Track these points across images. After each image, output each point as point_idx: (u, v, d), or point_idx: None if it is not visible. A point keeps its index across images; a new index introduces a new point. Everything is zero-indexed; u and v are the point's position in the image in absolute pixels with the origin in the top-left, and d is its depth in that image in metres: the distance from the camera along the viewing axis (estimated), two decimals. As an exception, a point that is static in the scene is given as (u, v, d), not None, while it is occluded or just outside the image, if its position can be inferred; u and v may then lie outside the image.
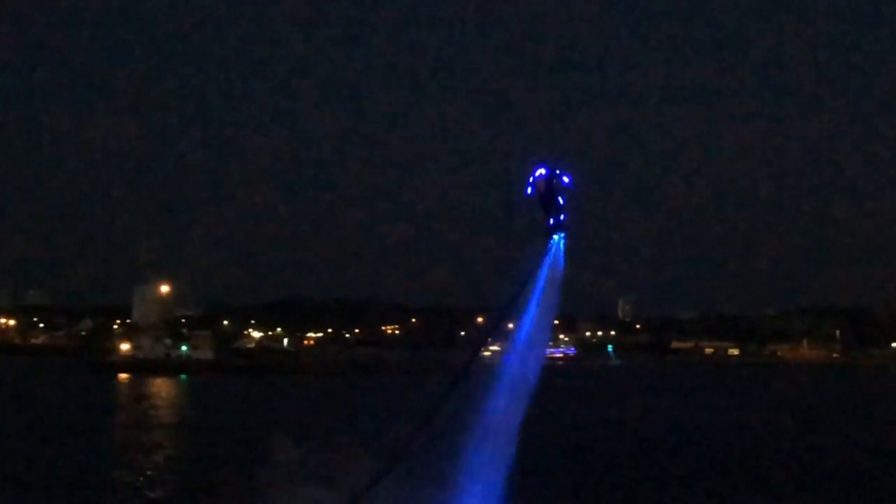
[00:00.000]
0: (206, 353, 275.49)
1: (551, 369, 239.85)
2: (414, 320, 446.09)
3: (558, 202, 38.31)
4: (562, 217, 38.32)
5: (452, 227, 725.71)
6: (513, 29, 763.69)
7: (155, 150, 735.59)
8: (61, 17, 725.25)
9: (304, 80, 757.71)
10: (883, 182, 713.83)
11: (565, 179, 37.75)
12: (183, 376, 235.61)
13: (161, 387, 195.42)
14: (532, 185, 37.94)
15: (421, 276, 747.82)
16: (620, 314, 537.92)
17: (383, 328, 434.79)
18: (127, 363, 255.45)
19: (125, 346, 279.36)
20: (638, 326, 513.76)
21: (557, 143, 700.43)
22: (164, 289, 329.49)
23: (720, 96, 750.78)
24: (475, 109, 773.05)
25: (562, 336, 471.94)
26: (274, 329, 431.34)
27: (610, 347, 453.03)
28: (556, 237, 38.22)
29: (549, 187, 38.06)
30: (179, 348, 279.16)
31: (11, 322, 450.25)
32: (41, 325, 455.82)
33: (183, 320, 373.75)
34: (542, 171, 38.05)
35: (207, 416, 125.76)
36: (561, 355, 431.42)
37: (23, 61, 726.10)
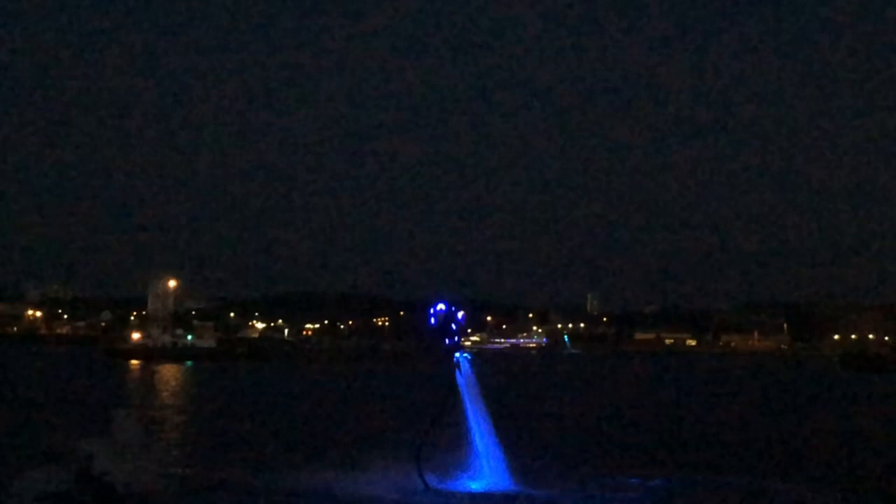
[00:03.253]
0: (210, 342, 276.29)
1: (526, 357, 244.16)
2: (402, 313, 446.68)
3: (452, 330, 49.72)
4: (456, 339, 50.12)
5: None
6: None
7: (171, 156, 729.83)
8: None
9: (308, 76, 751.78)
10: (834, 186, 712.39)
11: (459, 315, 49.80)
12: (189, 362, 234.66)
13: (168, 371, 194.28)
14: (434, 316, 48.82)
15: (400, 272, 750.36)
16: (589, 308, 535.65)
17: (374, 320, 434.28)
18: (138, 350, 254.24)
19: (136, 335, 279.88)
20: (604, 319, 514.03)
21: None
22: (172, 283, 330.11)
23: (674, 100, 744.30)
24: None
25: (535, 327, 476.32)
26: (276, 320, 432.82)
27: (566, 338, 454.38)
28: (457, 354, 49.36)
29: (446, 319, 48.98)
30: (185, 337, 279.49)
31: (38, 313, 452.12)
32: (65, 316, 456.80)
33: (193, 312, 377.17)
34: (441, 306, 49.07)
35: (203, 397, 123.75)
36: (535, 344, 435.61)
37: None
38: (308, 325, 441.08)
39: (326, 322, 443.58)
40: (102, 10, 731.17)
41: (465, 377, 50.64)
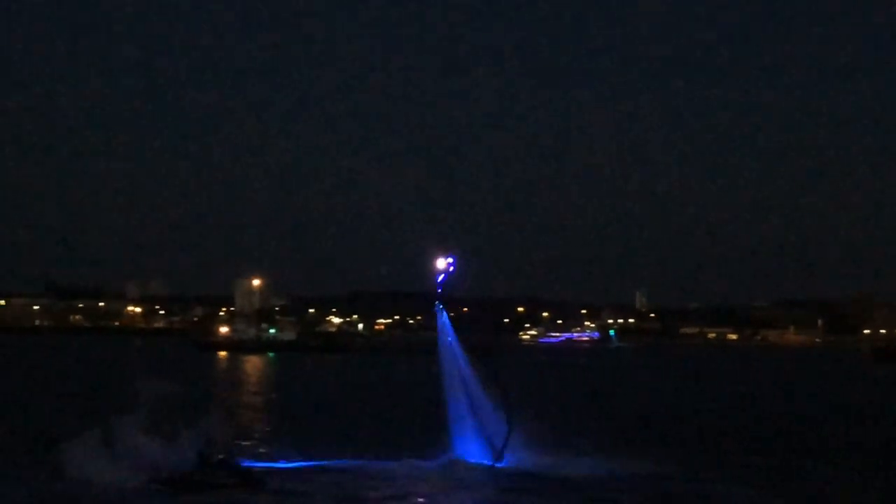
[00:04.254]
0: (290, 335, 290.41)
1: (577, 350, 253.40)
2: (465, 309, 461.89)
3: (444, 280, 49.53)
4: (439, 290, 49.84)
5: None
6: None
7: (260, 165, 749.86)
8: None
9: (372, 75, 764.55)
10: (873, 186, 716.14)
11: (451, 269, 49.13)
12: (271, 354, 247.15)
13: (252, 361, 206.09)
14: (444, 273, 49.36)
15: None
16: (638, 304, 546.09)
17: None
18: (225, 343, 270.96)
19: (224, 329, 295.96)
20: (652, 315, 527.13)
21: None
22: (257, 282, 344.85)
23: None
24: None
25: (587, 322, 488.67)
26: (351, 316, 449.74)
27: (612, 332, 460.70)
28: (439, 306, 50.29)
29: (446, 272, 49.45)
30: (268, 331, 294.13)
31: (138, 309, 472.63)
32: (161, 311, 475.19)
33: (276, 308, 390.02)
34: (450, 260, 49.83)
35: (282, 384, 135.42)
36: (587, 339, 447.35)
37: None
38: (380, 321, 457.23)
39: (397, 317, 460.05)
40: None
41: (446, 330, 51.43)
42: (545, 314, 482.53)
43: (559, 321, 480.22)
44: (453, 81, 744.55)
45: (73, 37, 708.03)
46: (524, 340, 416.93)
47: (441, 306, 52.02)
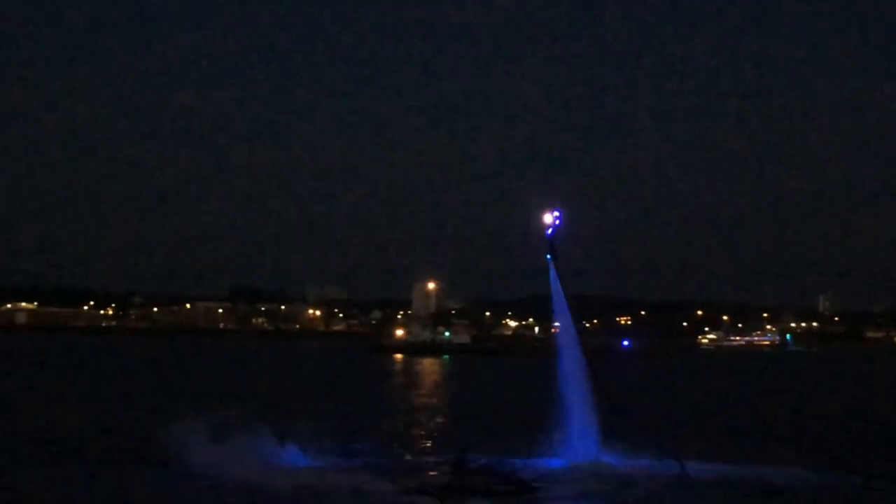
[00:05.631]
0: (465, 338, 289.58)
1: (756, 353, 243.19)
2: (643, 312, 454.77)
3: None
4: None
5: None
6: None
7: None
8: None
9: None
10: None
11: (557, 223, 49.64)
12: (445, 356, 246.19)
13: (426, 364, 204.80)
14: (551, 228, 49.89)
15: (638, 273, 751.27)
16: (821, 308, 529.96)
17: (618, 319, 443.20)
18: (400, 345, 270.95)
19: (400, 332, 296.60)
20: (836, 318, 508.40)
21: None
22: (432, 285, 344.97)
23: None
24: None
25: (768, 326, 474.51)
26: (527, 319, 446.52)
27: (788, 336, 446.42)
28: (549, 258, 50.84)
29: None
30: (443, 334, 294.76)
31: (317, 312, 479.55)
32: (340, 315, 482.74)
33: (452, 312, 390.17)
34: (556, 214, 49.99)
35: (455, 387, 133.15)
36: (767, 342, 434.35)
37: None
38: (557, 324, 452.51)
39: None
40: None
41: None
42: (724, 318, 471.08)
43: (739, 325, 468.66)
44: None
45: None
46: (703, 344, 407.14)
47: (550, 258, 51.53)
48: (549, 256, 51.48)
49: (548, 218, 50.72)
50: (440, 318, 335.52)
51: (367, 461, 49.54)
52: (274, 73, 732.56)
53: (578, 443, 49.62)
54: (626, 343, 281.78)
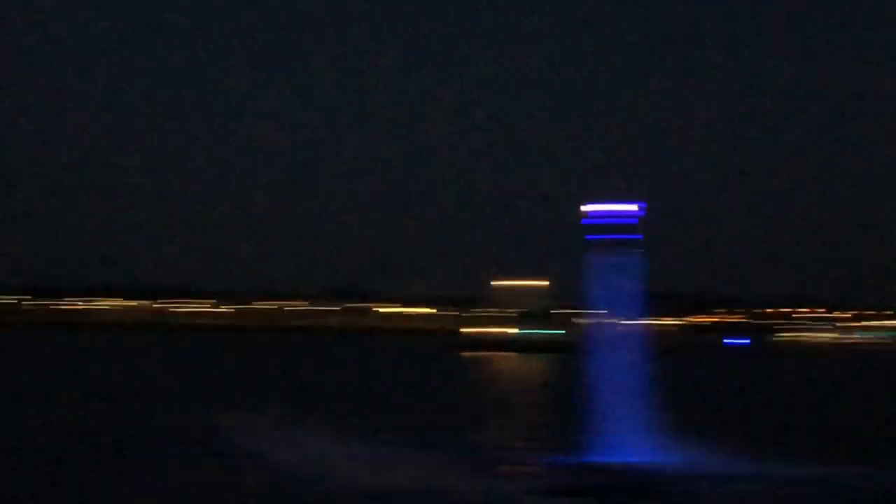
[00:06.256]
0: (559, 335, 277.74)
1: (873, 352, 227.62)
2: (743, 309, 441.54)
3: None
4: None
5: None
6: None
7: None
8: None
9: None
10: None
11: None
12: (541, 354, 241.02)
13: (516, 361, 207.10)
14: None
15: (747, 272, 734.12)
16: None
17: (717, 316, 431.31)
18: (489, 342, 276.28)
19: (487, 329, 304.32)
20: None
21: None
22: (521, 283, 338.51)
23: None
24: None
25: (875, 323, 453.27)
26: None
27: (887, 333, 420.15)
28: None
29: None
30: (534, 331, 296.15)
31: (415, 310, 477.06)
32: (433, 311, 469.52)
33: (548, 309, 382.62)
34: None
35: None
36: (890, 341, 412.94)
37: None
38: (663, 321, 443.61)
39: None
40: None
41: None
42: (835, 313, 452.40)
43: (851, 323, 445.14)
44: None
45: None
46: (813, 340, 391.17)
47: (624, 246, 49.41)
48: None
49: (630, 207, 49.25)
50: (533, 314, 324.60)
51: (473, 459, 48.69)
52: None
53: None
54: (733, 341, 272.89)
